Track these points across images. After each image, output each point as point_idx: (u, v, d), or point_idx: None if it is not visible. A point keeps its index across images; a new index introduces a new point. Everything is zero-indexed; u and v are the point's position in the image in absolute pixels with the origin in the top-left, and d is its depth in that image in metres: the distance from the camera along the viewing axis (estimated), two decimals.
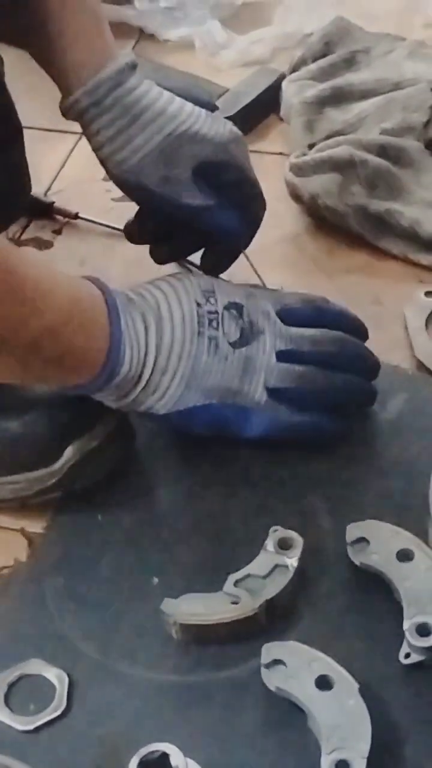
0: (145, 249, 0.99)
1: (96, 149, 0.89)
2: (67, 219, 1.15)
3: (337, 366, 0.90)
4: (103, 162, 0.90)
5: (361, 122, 1.17)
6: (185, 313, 0.84)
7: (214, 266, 0.96)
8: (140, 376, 0.82)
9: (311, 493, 0.89)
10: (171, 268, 1.05)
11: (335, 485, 0.89)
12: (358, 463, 0.91)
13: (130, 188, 0.91)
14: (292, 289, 1.00)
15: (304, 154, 1.14)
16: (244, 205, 0.93)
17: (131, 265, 1.09)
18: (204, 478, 0.90)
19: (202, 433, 0.88)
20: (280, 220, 1.13)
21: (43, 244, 1.13)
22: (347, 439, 0.92)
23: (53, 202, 1.16)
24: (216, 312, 0.86)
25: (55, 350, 0.78)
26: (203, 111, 0.90)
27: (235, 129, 0.92)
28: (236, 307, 0.87)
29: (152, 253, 0.98)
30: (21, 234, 1.14)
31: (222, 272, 0.96)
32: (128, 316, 0.81)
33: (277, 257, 1.10)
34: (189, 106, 0.89)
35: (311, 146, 1.15)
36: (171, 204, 0.89)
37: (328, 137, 1.15)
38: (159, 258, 0.99)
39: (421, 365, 0.98)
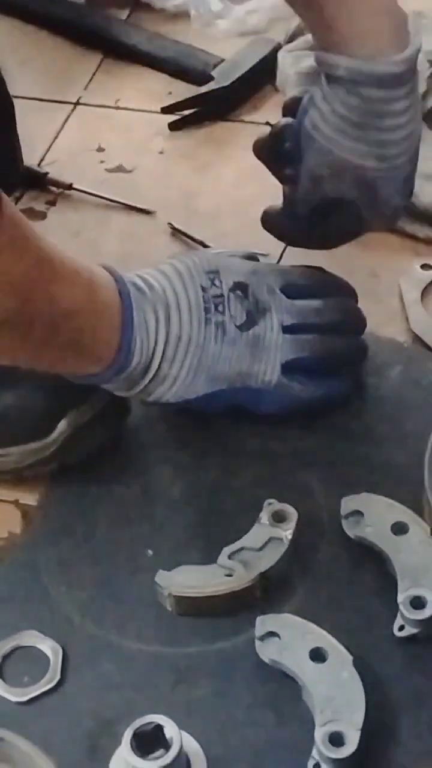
0: (139, 220, 0.98)
1: None
2: (61, 190, 1.14)
3: (339, 331, 0.91)
4: None
5: None
6: (191, 300, 0.83)
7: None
8: (149, 367, 0.82)
9: (306, 467, 0.88)
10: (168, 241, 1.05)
11: (330, 458, 0.89)
12: (353, 436, 0.91)
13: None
14: (289, 262, 0.99)
15: None
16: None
17: (125, 237, 1.09)
18: (199, 450, 0.90)
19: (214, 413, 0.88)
20: (276, 192, 1.12)
21: (37, 215, 1.12)
22: (342, 411, 0.92)
23: (47, 173, 1.15)
24: (221, 295, 0.85)
25: (71, 335, 0.77)
26: None
27: None
28: (241, 288, 0.87)
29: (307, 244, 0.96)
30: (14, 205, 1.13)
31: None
32: (138, 306, 0.81)
33: None
34: None
35: None
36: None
37: None
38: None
39: (416, 338, 0.98)
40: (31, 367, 0.80)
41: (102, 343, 0.79)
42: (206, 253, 0.90)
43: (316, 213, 0.91)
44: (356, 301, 0.95)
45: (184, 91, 1.22)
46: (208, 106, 1.20)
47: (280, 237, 0.98)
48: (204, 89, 1.21)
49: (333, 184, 0.88)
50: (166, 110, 1.21)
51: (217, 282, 0.85)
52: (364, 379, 0.94)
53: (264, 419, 0.89)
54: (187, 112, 1.20)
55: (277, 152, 0.91)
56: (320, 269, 0.95)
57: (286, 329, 0.88)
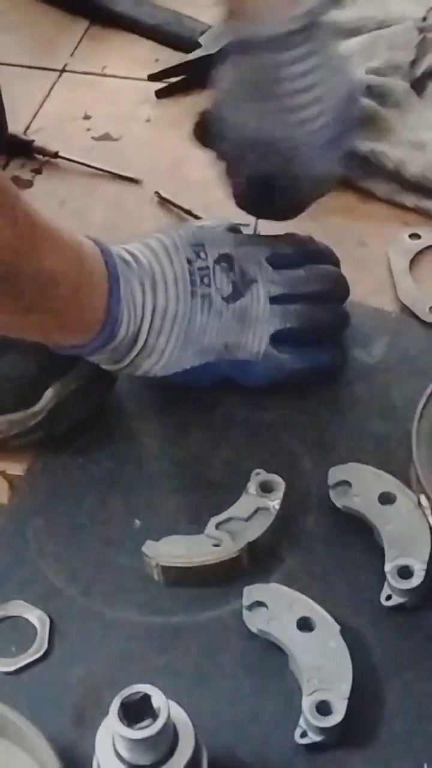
0: (126, 189, 0.97)
1: None
2: (47, 158, 1.13)
3: (324, 300, 0.91)
4: None
5: None
6: (177, 273, 0.83)
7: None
8: (136, 340, 0.81)
9: (293, 437, 0.88)
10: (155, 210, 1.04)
11: (318, 429, 0.89)
12: (341, 406, 0.91)
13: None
14: (276, 232, 0.99)
15: None
16: None
17: (112, 206, 1.08)
18: (186, 420, 0.90)
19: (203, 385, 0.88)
20: None
21: (23, 184, 1.11)
22: (330, 381, 0.91)
23: (33, 141, 1.14)
24: (207, 267, 0.85)
25: (59, 303, 0.76)
26: None
27: None
28: (226, 259, 0.86)
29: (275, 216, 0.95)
30: None
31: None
32: (125, 278, 0.80)
33: None
34: None
35: None
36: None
37: None
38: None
39: (404, 308, 0.97)
40: (19, 335, 0.80)
41: (89, 313, 0.79)
42: (191, 227, 0.90)
43: (253, 191, 0.89)
44: (338, 267, 0.95)
45: (171, 58, 1.21)
46: (196, 74, 1.19)
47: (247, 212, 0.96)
48: (191, 56, 1.20)
49: (254, 162, 0.86)
50: (153, 78, 1.20)
51: (202, 255, 0.85)
52: (347, 349, 0.94)
53: (251, 390, 0.89)
54: (174, 80, 1.19)
55: (208, 137, 0.89)
56: (306, 236, 0.94)
57: (273, 300, 0.88)
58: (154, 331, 0.82)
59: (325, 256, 0.94)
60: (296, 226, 1.02)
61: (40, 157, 1.13)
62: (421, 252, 1.02)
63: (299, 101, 0.82)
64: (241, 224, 0.96)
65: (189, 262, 0.84)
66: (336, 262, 0.94)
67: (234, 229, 0.93)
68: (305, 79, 0.81)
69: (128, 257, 0.82)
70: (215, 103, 0.86)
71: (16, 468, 0.88)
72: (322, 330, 0.91)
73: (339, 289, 0.93)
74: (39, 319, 0.77)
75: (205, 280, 0.84)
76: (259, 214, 0.96)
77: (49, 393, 0.87)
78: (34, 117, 1.17)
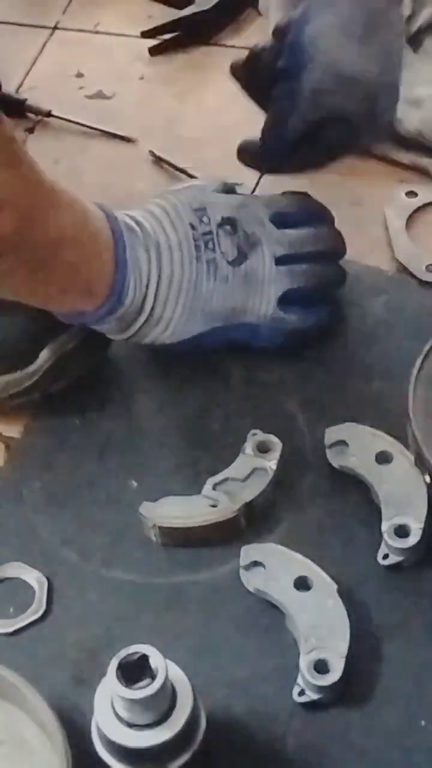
0: (120, 148, 0.97)
1: None
2: (39, 117, 1.12)
3: (326, 259, 0.91)
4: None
5: None
6: (181, 239, 0.82)
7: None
8: (142, 308, 0.81)
9: (290, 397, 0.88)
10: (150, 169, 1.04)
11: (314, 389, 0.89)
12: (338, 366, 0.90)
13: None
14: (271, 191, 0.98)
15: None
16: None
17: (106, 165, 1.07)
18: (183, 381, 0.90)
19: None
20: (258, 118, 1.11)
21: None
22: (327, 341, 0.91)
23: (25, 100, 1.13)
24: (210, 232, 0.84)
25: (66, 267, 0.76)
26: None
27: None
28: (230, 222, 0.86)
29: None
30: None
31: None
32: (130, 245, 0.80)
33: None
34: None
35: None
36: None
37: None
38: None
39: (401, 267, 0.97)
40: (26, 299, 0.79)
41: (96, 278, 0.78)
42: (191, 191, 0.88)
43: (308, 132, 0.88)
44: (334, 225, 0.94)
45: (164, 14, 1.20)
46: (189, 31, 1.18)
47: (259, 166, 0.95)
48: (184, 13, 1.18)
49: (335, 98, 0.85)
50: (146, 34, 1.18)
51: (205, 219, 0.84)
52: (344, 308, 0.93)
53: (255, 351, 0.89)
54: (167, 37, 1.18)
55: (258, 74, 0.88)
56: (303, 194, 0.93)
57: (279, 260, 0.87)
58: (160, 299, 0.81)
59: (323, 214, 0.93)
60: (291, 185, 1.01)
61: (32, 116, 1.12)
62: (417, 210, 1.01)
63: (397, 45, 0.86)
64: (234, 183, 0.95)
65: (192, 227, 0.83)
66: (332, 220, 0.94)
67: (229, 187, 0.92)
68: (401, 24, 0.87)
69: (132, 224, 0.81)
70: (294, 40, 0.85)
71: (12, 430, 0.88)
72: (326, 288, 0.91)
73: (338, 247, 0.93)
74: (46, 281, 0.76)
75: (210, 245, 0.84)
76: (290, 163, 0.93)
77: (45, 353, 0.86)
78: (26, 76, 1.16)
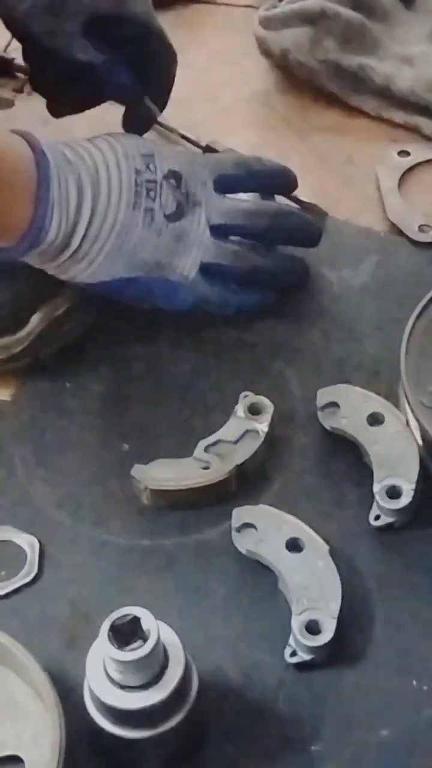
0: (109, 107, 0.95)
1: None
2: (28, 76, 1.11)
3: (272, 238, 0.88)
4: None
5: None
6: (123, 180, 0.81)
7: (130, 127, 0.91)
8: (68, 245, 0.79)
9: (281, 359, 0.88)
10: None
11: (305, 350, 0.88)
12: (329, 327, 0.90)
13: (18, 37, 0.87)
14: (262, 150, 0.97)
15: (275, 7, 1.09)
16: (150, 60, 0.89)
17: (96, 125, 1.05)
18: (173, 344, 0.89)
19: (125, 303, 0.86)
20: (248, 77, 1.10)
21: (4, 103, 1.09)
22: (318, 302, 0.91)
23: (13, 59, 1.11)
24: (155, 181, 0.82)
25: None
26: None
27: None
28: (175, 177, 0.84)
29: (48, 107, 0.93)
30: None
31: (144, 130, 0.91)
32: (62, 180, 0.78)
33: (246, 115, 1.07)
34: None
35: None
36: (61, 58, 0.85)
37: None
38: (54, 111, 0.93)
39: (393, 227, 0.96)
40: None
41: (11, 216, 0.76)
42: (143, 138, 0.87)
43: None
44: (293, 190, 0.91)
45: None
46: None
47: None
48: None
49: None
50: None
51: (151, 167, 0.83)
52: (336, 269, 0.93)
53: (174, 313, 0.87)
54: None
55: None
56: (255, 157, 0.91)
57: (213, 229, 0.85)
58: (89, 237, 0.80)
59: (277, 177, 0.91)
60: (281, 143, 1.00)
61: (21, 75, 1.11)
62: (410, 169, 1.01)
63: None
64: (215, 145, 0.95)
65: (137, 171, 0.82)
66: (292, 183, 0.91)
67: (209, 149, 0.91)
68: None
69: (70, 155, 0.79)
70: None
71: (2, 394, 0.88)
72: (258, 276, 0.88)
73: (296, 231, 0.90)
74: None
75: (151, 194, 0.82)
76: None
77: (34, 319, 0.86)
78: None
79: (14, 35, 0.88)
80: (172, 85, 0.92)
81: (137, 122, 0.91)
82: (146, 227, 0.82)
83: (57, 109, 0.94)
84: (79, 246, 0.80)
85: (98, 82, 0.88)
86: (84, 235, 0.79)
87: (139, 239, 0.82)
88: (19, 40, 0.88)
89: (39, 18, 0.84)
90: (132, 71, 0.88)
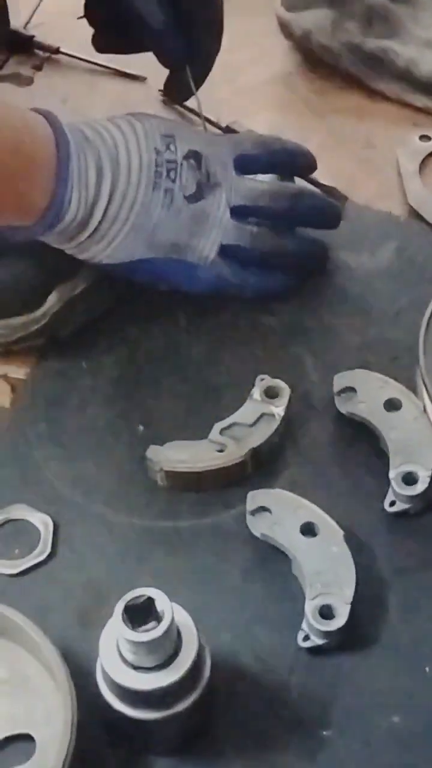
0: (130, 87, 0.95)
1: None
2: (48, 54, 1.10)
3: (292, 220, 0.88)
4: None
5: None
6: (143, 160, 0.80)
7: (169, 93, 0.92)
8: (87, 223, 0.79)
9: (299, 343, 0.88)
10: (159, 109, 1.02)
11: (323, 334, 0.88)
12: (347, 312, 0.90)
13: None
14: (282, 131, 0.97)
15: None
16: (198, 28, 0.88)
17: (115, 103, 1.05)
18: (190, 326, 0.89)
19: (143, 284, 0.86)
20: (270, 58, 1.09)
21: (23, 81, 1.08)
22: (336, 286, 0.90)
23: (33, 36, 1.11)
24: (175, 161, 0.82)
25: None
26: None
27: None
28: (195, 157, 0.83)
29: (94, 39, 0.93)
30: None
31: (181, 99, 0.91)
32: (81, 159, 0.77)
33: (267, 97, 1.06)
34: None
35: None
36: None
37: None
38: (98, 46, 0.93)
39: (413, 212, 0.96)
40: None
41: (31, 195, 0.76)
42: (164, 118, 0.86)
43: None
44: (313, 171, 0.91)
45: None
46: None
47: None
48: None
49: None
50: None
51: (172, 147, 0.82)
52: (356, 253, 0.92)
53: (192, 294, 0.87)
54: None
55: None
56: (274, 137, 0.90)
57: (234, 210, 0.85)
58: (108, 216, 0.79)
59: (297, 158, 0.90)
60: (302, 125, 0.99)
61: (40, 53, 1.11)
62: (431, 154, 1.00)
63: None
64: (235, 127, 0.94)
65: (157, 152, 0.81)
66: (311, 163, 0.91)
67: (230, 129, 0.91)
68: None
69: (90, 133, 0.79)
70: None
71: (18, 372, 0.88)
72: (279, 257, 0.88)
73: (324, 215, 0.90)
74: None
75: (171, 174, 0.81)
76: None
77: (52, 297, 0.86)
78: (35, 12, 1.14)
79: None
80: (213, 61, 0.91)
81: (177, 90, 0.92)
82: (166, 208, 0.81)
83: (102, 44, 0.93)
84: (98, 226, 0.79)
85: (150, 32, 0.87)
86: (103, 215, 0.79)
87: (158, 220, 0.81)
88: None
89: None
90: (181, 37, 0.88)
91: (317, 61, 1.07)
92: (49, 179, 0.76)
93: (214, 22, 0.89)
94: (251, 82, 1.01)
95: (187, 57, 0.90)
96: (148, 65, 1.07)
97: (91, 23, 0.93)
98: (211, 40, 0.90)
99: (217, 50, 0.91)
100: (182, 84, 0.91)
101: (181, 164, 0.82)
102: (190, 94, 0.92)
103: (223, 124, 1.01)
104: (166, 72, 1.07)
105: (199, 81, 0.92)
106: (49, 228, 0.78)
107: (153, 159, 0.81)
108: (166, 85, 0.93)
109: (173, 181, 0.82)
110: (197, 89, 0.92)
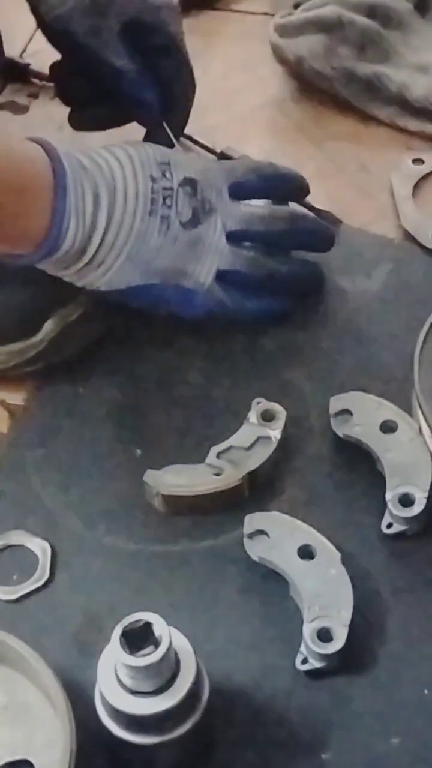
0: None
1: None
2: (43, 82, 1.11)
3: (287, 243, 0.89)
4: (33, 8, 0.88)
5: None
6: (140, 188, 0.81)
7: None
8: (85, 251, 0.79)
9: (295, 366, 0.88)
10: None
11: (319, 357, 0.88)
12: (342, 334, 0.90)
13: (57, 36, 0.88)
14: (276, 156, 0.97)
15: (290, 14, 1.10)
16: (171, 78, 0.90)
17: (111, 132, 1.06)
18: (186, 349, 0.89)
19: (141, 309, 0.86)
20: (264, 84, 1.10)
21: (19, 109, 1.09)
22: (331, 309, 0.91)
23: (29, 65, 1.12)
24: (171, 188, 0.82)
25: None
26: None
27: None
28: (191, 184, 0.84)
29: (70, 118, 0.95)
30: None
31: None
32: (78, 188, 0.78)
33: (261, 123, 1.07)
34: None
35: (297, 6, 1.11)
36: (95, 59, 0.87)
37: None
38: (76, 124, 0.95)
39: (407, 235, 0.96)
40: None
41: (28, 225, 0.77)
42: (159, 146, 0.86)
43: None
44: (306, 195, 0.92)
45: None
46: None
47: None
48: None
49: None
50: None
51: (168, 174, 0.83)
52: (351, 276, 0.93)
53: (188, 320, 0.88)
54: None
55: None
56: (267, 163, 0.91)
57: (230, 235, 0.85)
58: (105, 244, 0.80)
59: (290, 182, 0.91)
60: (296, 150, 1.00)
61: (36, 81, 1.12)
62: (424, 177, 1.01)
63: None
64: (230, 151, 0.95)
65: (153, 179, 0.81)
66: (304, 188, 0.92)
67: (224, 155, 0.91)
68: None
69: (86, 162, 0.79)
70: None
71: (16, 397, 0.88)
72: (275, 283, 0.88)
73: (317, 237, 0.91)
74: None
75: (167, 202, 0.82)
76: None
77: (49, 323, 0.86)
78: (30, 40, 1.15)
79: (50, 38, 0.90)
80: (189, 111, 0.93)
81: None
82: (162, 235, 0.82)
83: (80, 122, 0.95)
84: (96, 253, 0.80)
85: (124, 98, 0.89)
86: (100, 243, 0.80)
87: (155, 246, 0.82)
88: (55, 43, 0.90)
89: (81, 16, 0.86)
90: (155, 89, 0.89)
91: (311, 87, 1.08)
92: (46, 208, 0.77)
93: (182, 70, 0.91)
94: (245, 108, 1.01)
95: (164, 110, 0.91)
96: None
97: (68, 102, 0.94)
98: (183, 88, 0.92)
99: (191, 98, 0.93)
100: (161, 138, 0.91)
101: (177, 191, 0.83)
102: (171, 146, 0.92)
103: (218, 150, 1.02)
104: None
105: (178, 133, 0.93)
106: (47, 256, 0.79)
107: (149, 186, 0.81)
108: (145, 140, 0.93)
109: (169, 207, 0.82)
110: (177, 140, 0.93)
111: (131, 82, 0.88)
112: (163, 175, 0.82)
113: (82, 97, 0.93)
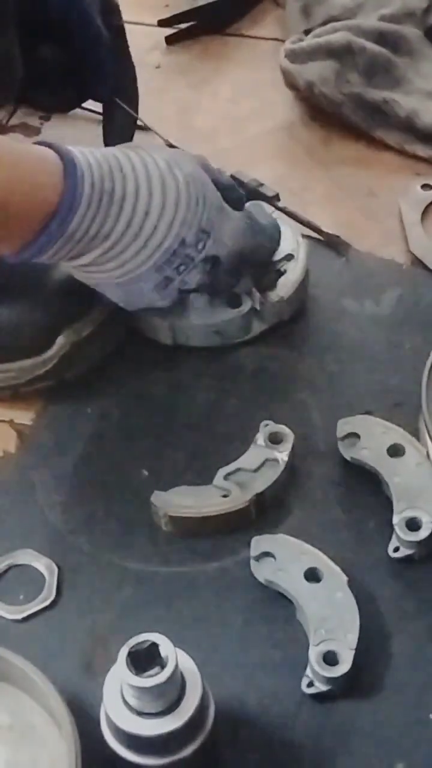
0: (135, 136, 0.96)
1: None
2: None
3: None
4: None
5: (360, 8, 1.13)
6: (165, 242, 0.78)
7: (112, 133, 0.93)
8: (85, 251, 0.77)
9: (303, 388, 0.88)
10: None
11: (327, 380, 0.89)
12: (350, 358, 0.90)
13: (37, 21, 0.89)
14: (286, 181, 0.98)
15: (300, 40, 1.10)
16: (124, 52, 0.93)
17: None
18: (195, 371, 0.90)
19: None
20: (274, 109, 1.11)
21: (31, 131, 1.10)
22: (339, 332, 0.91)
23: None
24: (193, 259, 0.80)
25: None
26: None
27: None
28: (214, 262, 0.82)
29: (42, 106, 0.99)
30: (8, 120, 1.11)
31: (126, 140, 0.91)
32: (95, 173, 0.76)
33: (271, 147, 1.08)
34: None
35: (307, 32, 1.12)
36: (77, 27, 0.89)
37: (325, 23, 1.12)
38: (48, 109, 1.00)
39: (415, 260, 0.97)
40: None
41: (45, 196, 0.74)
42: (216, 195, 0.82)
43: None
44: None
45: (181, 3, 1.20)
46: (206, 20, 1.18)
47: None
48: (202, 1, 1.18)
49: None
50: (163, 23, 1.18)
51: (200, 246, 0.80)
52: (359, 300, 0.93)
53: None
54: (184, 26, 1.18)
55: None
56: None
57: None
58: (96, 262, 0.78)
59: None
60: (305, 174, 1.01)
61: None
62: None
63: None
64: (260, 184, 0.95)
65: (183, 242, 0.79)
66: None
67: (253, 187, 0.91)
68: None
69: (108, 186, 0.75)
70: None
71: (24, 417, 0.88)
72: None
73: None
74: None
75: (181, 269, 0.80)
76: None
77: (60, 340, 0.86)
78: None
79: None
80: (137, 89, 0.95)
81: (118, 125, 0.94)
82: (156, 290, 0.82)
83: (46, 104, 0.98)
84: (89, 263, 0.79)
85: (88, 71, 0.91)
86: (95, 259, 0.78)
87: (144, 293, 0.82)
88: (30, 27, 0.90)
89: None
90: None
91: (320, 112, 1.09)
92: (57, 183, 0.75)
93: (128, 49, 0.93)
94: (255, 133, 1.02)
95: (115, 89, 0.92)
96: (151, 116, 1.09)
97: (35, 107, 0.99)
98: (131, 64, 0.94)
99: (135, 79, 0.94)
100: (120, 114, 0.93)
101: (197, 265, 0.81)
102: (133, 126, 0.93)
103: (228, 174, 1.02)
104: (171, 122, 1.09)
105: (134, 106, 0.94)
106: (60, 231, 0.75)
107: (173, 247, 0.79)
108: (104, 128, 0.94)
109: (179, 274, 0.81)
110: (136, 116, 0.94)
111: (108, 48, 0.90)
112: (196, 245, 0.80)
113: (49, 102, 0.96)
